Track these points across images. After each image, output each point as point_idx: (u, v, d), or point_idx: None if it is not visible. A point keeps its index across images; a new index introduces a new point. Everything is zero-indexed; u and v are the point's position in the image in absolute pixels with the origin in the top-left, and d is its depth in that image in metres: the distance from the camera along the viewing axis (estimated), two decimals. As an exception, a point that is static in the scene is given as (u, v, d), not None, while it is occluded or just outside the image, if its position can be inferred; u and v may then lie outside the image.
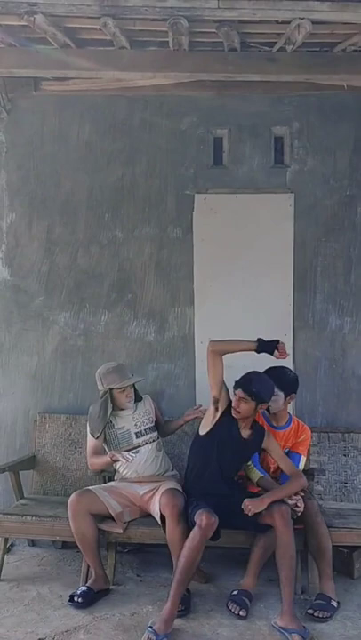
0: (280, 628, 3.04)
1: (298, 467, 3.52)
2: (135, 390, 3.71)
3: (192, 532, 3.11)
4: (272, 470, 3.59)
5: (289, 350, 4.08)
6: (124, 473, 3.65)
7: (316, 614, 3.18)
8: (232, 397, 3.39)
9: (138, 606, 3.30)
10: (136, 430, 3.65)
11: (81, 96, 4.20)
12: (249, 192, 4.19)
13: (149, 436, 3.67)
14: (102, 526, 3.43)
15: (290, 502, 3.29)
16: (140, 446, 3.61)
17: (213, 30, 3.26)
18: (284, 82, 3.85)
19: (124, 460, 3.45)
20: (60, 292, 4.28)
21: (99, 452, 3.62)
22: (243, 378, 3.34)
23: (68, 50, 3.52)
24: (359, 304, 4.20)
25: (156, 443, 3.69)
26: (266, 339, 3.36)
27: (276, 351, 3.35)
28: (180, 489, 3.45)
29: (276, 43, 3.48)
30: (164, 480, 3.56)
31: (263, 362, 3.44)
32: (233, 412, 3.34)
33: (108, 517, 3.44)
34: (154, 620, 3.02)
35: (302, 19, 3.05)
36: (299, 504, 3.31)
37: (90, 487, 3.54)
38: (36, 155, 4.27)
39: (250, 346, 3.34)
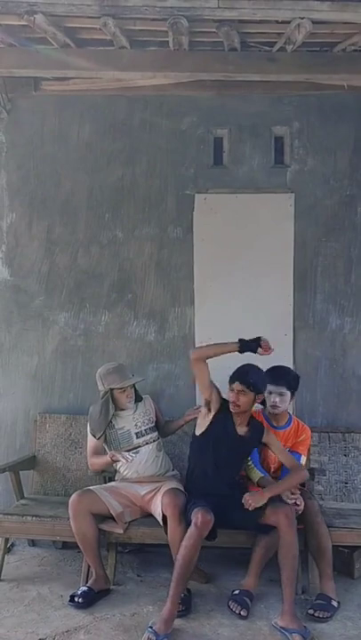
0: (281, 627, 3.04)
1: (298, 465, 3.52)
2: (135, 390, 3.71)
3: (188, 531, 3.11)
4: (272, 470, 3.59)
5: (289, 350, 4.11)
6: (125, 473, 3.64)
7: (316, 614, 3.18)
8: (224, 395, 3.39)
9: (138, 606, 3.30)
10: (136, 430, 3.64)
11: (81, 96, 4.21)
12: (249, 192, 4.19)
13: (150, 436, 3.66)
14: (103, 526, 3.43)
15: (289, 501, 3.28)
16: (140, 446, 3.61)
17: (213, 30, 3.27)
18: (284, 82, 3.86)
19: (125, 461, 3.46)
20: (61, 292, 4.28)
21: (99, 452, 3.62)
22: (238, 371, 3.34)
23: (68, 50, 3.53)
24: (359, 304, 4.20)
25: (156, 443, 3.68)
26: (247, 338, 3.32)
27: (259, 348, 3.30)
28: (182, 489, 3.45)
29: (276, 42, 3.49)
30: (165, 480, 3.56)
31: (264, 362, 3.43)
32: (232, 406, 3.34)
33: (108, 517, 3.44)
34: (154, 621, 3.02)
35: (302, 18, 3.06)
36: (298, 502, 3.31)
37: (91, 487, 3.54)
38: (36, 155, 4.27)
39: (232, 347, 3.32)
